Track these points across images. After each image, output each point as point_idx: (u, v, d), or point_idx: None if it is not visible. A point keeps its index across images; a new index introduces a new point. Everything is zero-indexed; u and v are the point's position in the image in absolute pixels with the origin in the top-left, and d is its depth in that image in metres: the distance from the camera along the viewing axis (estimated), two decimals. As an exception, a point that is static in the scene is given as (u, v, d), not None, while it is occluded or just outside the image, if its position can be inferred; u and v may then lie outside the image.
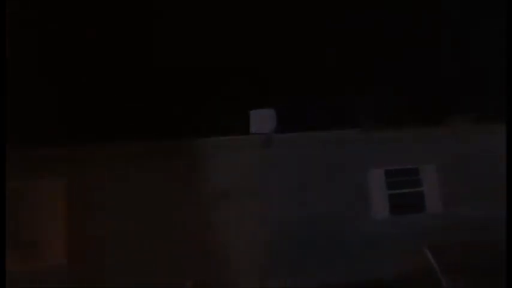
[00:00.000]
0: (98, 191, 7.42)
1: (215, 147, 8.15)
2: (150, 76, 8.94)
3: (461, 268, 7.68)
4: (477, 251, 8.34)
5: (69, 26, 8.94)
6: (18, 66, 7.11)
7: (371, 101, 9.15)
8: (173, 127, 7.96)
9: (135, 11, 9.51)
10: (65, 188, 7.29)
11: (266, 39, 10.10)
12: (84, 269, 7.13)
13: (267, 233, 8.05)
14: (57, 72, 8.54)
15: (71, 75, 8.63)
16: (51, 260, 7.08)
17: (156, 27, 9.52)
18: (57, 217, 7.23)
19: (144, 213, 7.56)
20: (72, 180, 7.31)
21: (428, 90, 11.44)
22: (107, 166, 7.55)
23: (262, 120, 8.20)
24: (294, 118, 8.71)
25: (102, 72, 8.95)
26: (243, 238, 7.94)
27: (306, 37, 10.46)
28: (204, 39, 9.79)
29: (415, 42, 11.53)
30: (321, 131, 8.76)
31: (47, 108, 7.93)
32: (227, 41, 9.92)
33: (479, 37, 11.92)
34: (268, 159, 8.30)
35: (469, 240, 8.50)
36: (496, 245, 8.65)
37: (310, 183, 8.49)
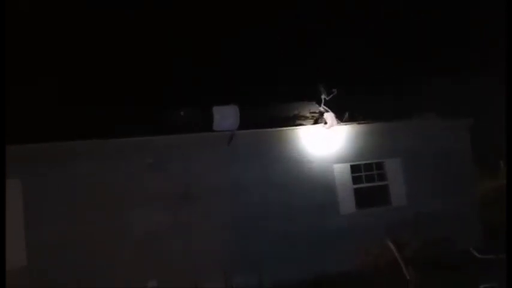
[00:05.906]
0: (52, 192, 7.20)
1: (177, 144, 8.02)
2: (103, 72, 8.69)
3: (424, 261, 7.78)
4: (439, 244, 8.50)
5: None
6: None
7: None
8: (133, 124, 7.76)
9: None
10: (20, 188, 7.01)
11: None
12: (44, 272, 6.89)
13: (232, 230, 7.99)
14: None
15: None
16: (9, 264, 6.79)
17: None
18: (14, 219, 6.93)
19: (103, 214, 7.32)
20: (26, 180, 7.04)
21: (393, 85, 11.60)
22: (60, 165, 7.30)
23: (225, 116, 8.08)
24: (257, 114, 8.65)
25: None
26: (207, 236, 7.85)
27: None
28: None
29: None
30: (284, 127, 8.76)
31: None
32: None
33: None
34: (231, 155, 8.24)
35: (432, 233, 8.67)
36: (457, 239, 8.82)
37: (275, 179, 8.47)
